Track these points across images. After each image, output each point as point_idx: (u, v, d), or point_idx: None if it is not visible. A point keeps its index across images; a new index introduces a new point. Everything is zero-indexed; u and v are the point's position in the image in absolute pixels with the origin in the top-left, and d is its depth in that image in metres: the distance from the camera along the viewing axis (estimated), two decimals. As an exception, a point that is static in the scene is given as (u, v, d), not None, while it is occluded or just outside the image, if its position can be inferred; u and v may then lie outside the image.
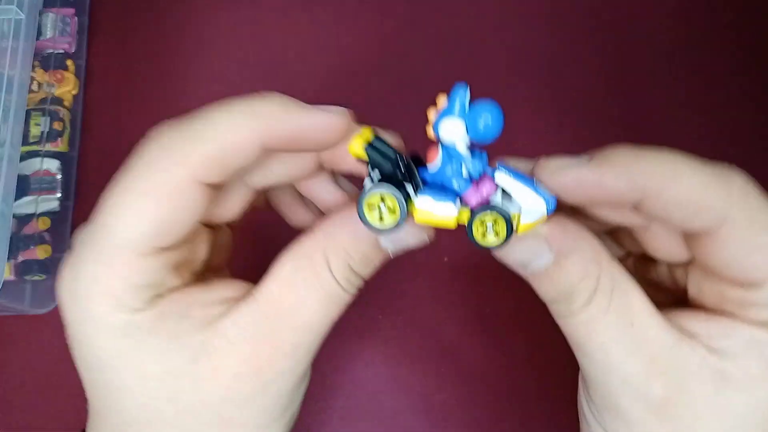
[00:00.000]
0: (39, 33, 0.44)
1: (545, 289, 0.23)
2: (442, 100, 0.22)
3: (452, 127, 0.21)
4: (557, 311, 0.23)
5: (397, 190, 0.22)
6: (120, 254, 0.21)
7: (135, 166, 0.22)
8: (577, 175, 0.22)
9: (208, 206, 0.23)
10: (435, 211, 0.22)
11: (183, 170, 0.21)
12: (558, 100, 0.45)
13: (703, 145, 0.41)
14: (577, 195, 0.22)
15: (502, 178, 0.22)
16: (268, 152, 0.22)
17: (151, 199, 0.21)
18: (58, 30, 0.45)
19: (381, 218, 0.22)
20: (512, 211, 0.22)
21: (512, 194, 0.22)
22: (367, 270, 0.24)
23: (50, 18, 0.45)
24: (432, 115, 0.22)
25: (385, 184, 0.22)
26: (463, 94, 0.21)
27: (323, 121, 0.22)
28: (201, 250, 0.25)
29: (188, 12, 0.48)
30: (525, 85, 0.45)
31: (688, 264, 0.25)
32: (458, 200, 0.22)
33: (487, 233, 0.22)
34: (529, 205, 0.22)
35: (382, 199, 0.22)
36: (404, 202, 0.22)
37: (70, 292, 0.22)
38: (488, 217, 0.22)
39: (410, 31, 0.47)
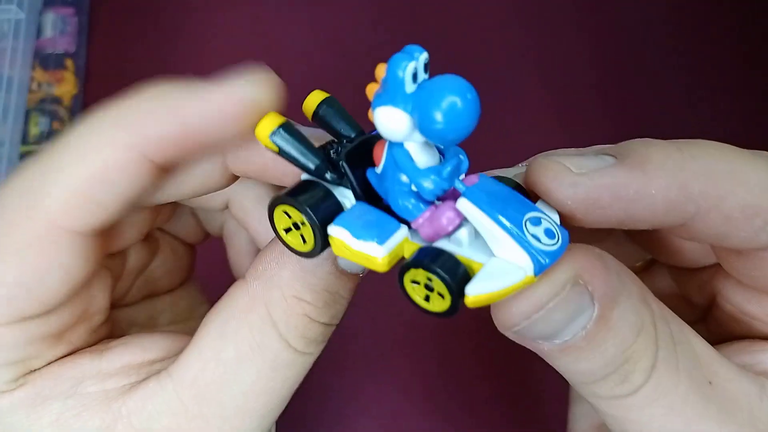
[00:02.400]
0: (39, 33, 0.44)
1: (585, 366, 0.15)
2: (381, 72, 0.14)
3: (395, 120, 0.14)
4: (602, 392, 0.15)
5: (298, 201, 0.15)
6: None
7: None
8: (612, 183, 0.15)
9: (96, 255, 0.17)
10: (354, 247, 0.15)
11: (39, 219, 0.15)
12: (559, 99, 0.45)
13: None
14: (609, 211, 0.15)
15: (467, 207, 0.14)
16: (165, 167, 0.16)
17: (2, 260, 0.16)
18: (58, 30, 0.45)
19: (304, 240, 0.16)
20: (478, 261, 0.14)
21: (483, 235, 0.14)
22: (333, 312, 0.17)
23: (50, 18, 0.45)
24: (371, 93, 0.15)
25: (291, 194, 0.15)
26: (405, 65, 0.13)
27: (223, 100, 0.15)
28: (97, 300, 0.19)
29: (187, 12, 0.47)
30: (527, 83, 0.45)
31: (703, 269, 0.19)
32: (403, 228, 0.15)
33: (432, 296, 0.14)
34: (500, 256, 0.14)
35: (288, 215, 0.15)
36: (315, 221, 0.15)
37: None
38: (418, 275, 0.14)
39: (411, 29, 0.47)
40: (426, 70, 0.14)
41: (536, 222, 0.14)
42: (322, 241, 0.15)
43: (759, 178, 0.15)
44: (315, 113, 0.17)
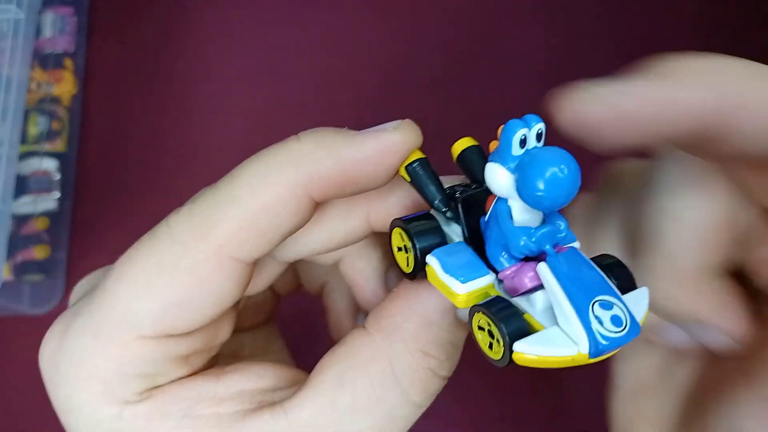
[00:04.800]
0: (38, 32, 0.44)
1: None
2: (499, 133, 0.16)
3: (499, 177, 0.15)
4: None
5: (408, 228, 0.17)
6: (117, 332, 0.17)
7: (159, 237, 0.18)
8: (643, 94, 0.15)
9: (244, 287, 0.18)
10: (441, 277, 0.16)
11: (209, 245, 0.17)
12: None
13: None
14: (643, 124, 0.15)
15: (544, 272, 0.15)
16: (316, 204, 0.18)
17: (167, 277, 0.17)
18: (57, 29, 0.45)
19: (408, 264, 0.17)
20: (543, 325, 0.15)
21: (552, 302, 0.15)
22: (451, 364, 0.18)
23: (49, 17, 0.45)
24: (492, 148, 0.16)
25: (407, 220, 0.17)
26: (514, 131, 0.15)
27: (380, 146, 0.17)
28: (222, 335, 0.20)
29: (188, 11, 0.47)
30: (532, 84, 0.45)
31: None
32: (490, 275, 0.16)
33: (494, 343, 0.15)
34: (562, 326, 0.14)
35: (401, 237, 0.17)
36: (416, 248, 0.17)
37: (52, 365, 0.18)
38: (482, 319, 0.15)
39: (413, 32, 0.47)
40: (539, 139, 0.15)
41: (606, 306, 0.14)
42: (418, 266, 0.17)
43: None
44: (459, 157, 0.18)
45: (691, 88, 0.15)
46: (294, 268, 0.25)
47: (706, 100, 0.15)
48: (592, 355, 0.14)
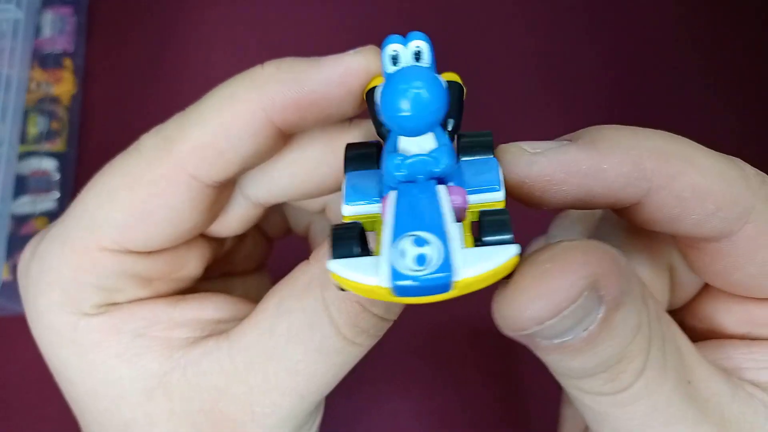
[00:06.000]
0: (37, 32, 0.44)
1: (577, 364, 0.14)
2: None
3: (377, 94, 0.14)
4: (588, 388, 0.15)
5: (346, 153, 0.16)
6: (80, 240, 0.18)
7: (129, 153, 0.18)
8: (565, 159, 0.15)
9: (205, 212, 0.18)
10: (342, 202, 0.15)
11: (169, 161, 0.17)
12: (559, 99, 0.45)
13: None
14: (564, 188, 0.15)
15: (389, 200, 0.14)
16: (282, 135, 0.18)
17: (129, 189, 0.17)
18: (57, 29, 0.45)
19: None
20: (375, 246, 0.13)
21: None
22: (387, 304, 0.17)
23: (48, 17, 0.45)
24: None
25: (354, 144, 0.17)
26: (383, 48, 0.14)
27: (339, 68, 0.17)
28: (190, 266, 0.20)
29: (187, 11, 0.47)
30: (528, 84, 0.45)
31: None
32: (379, 204, 0.15)
33: None
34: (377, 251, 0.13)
35: None
36: (343, 171, 0.16)
37: (24, 271, 0.19)
38: None
39: (412, 27, 0.47)
40: (418, 58, 0.14)
41: (420, 242, 0.12)
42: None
43: (710, 164, 0.15)
44: None
45: (616, 159, 0.15)
46: (282, 211, 0.25)
47: (624, 170, 0.15)
48: (395, 291, 0.12)
